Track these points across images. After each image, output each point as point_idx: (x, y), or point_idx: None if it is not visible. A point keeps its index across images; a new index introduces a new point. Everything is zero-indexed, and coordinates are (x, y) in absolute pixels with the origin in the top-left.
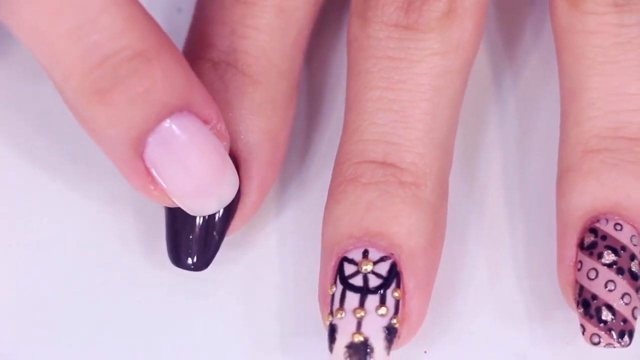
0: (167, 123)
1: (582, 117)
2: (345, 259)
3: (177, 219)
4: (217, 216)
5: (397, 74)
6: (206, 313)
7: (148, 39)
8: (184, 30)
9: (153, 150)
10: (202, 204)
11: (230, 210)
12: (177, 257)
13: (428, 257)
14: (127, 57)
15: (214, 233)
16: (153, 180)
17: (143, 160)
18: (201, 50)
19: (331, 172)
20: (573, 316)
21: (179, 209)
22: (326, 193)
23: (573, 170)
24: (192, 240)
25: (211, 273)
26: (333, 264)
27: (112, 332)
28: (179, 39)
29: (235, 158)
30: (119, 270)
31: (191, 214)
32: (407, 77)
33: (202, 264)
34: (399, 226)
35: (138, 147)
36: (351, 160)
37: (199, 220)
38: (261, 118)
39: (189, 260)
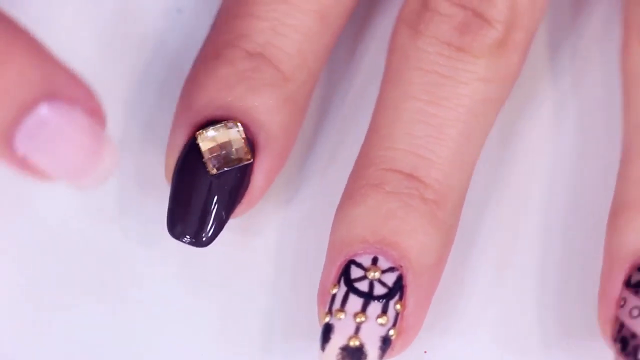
0: (30, 116)
1: None
2: (353, 262)
3: (183, 192)
4: (225, 198)
5: (441, 90)
6: (203, 313)
7: None
8: (184, 30)
9: (21, 142)
10: (82, 183)
11: (238, 194)
12: (176, 227)
13: (432, 277)
14: None
15: (222, 212)
16: (30, 167)
17: (15, 152)
18: (235, 39)
19: (328, 172)
20: (573, 312)
21: (182, 183)
22: (323, 193)
23: (631, 207)
24: (197, 213)
25: (208, 273)
26: (339, 264)
27: (106, 332)
28: (179, 39)
29: (254, 145)
30: (114, 269)
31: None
32: (450, 96)
33: (202, 241)
34: (414, 240)
35: (7, 142)
36: (378, 165)
37: (207, 197)
38: (284, 113)
39: (189, 232)
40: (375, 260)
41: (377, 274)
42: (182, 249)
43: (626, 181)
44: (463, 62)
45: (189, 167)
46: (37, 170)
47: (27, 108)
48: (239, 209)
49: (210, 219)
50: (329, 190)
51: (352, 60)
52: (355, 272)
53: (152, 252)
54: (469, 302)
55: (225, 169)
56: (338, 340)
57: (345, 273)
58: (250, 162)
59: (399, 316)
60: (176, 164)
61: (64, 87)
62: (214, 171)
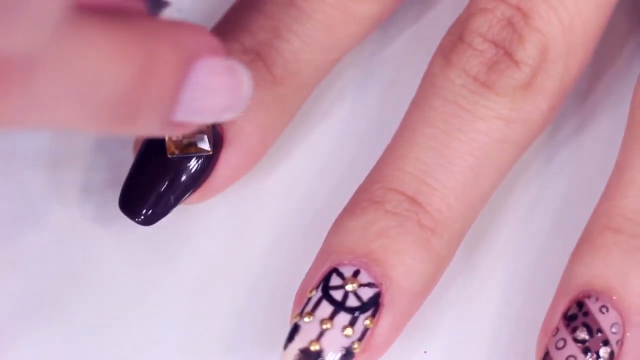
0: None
1: (617, 194)
2: (335, 270)
3: (142, 170)
4: (178, 183)
5: (458, 122)
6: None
7: (134, 60)
8: None
9: (179, 115)
10: (232, 115)
11: (193, 182)
12: (128, 203)
13: (412, 302)
14: (121, 97)
15: (171, 196)
16: (188, 126)
17: (175, 124)
18: (237, 32)
19: (321, 173)
20: None
21: (143, 159)
22: (322, 198)
23: (588, 240)
24: (147, 192)
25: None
26: (323, 270)
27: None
28: None
29: (222, 139)
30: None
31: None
32: (466, 129)
33: (147, 220)
34: (400, 262)
35: (169, 122)
36: (384, 183)
37: (160, 178)
38: (263, 114)
39: (135, 209)
40: (357, 273)
41: (354, 286)
42: (173, 248)
43: (594, 215)
44: (485, 98)
45: (153, 145)
46: (194, 126)
47: (178, 90)
48: (192, 198)
49: (156, 200)
50: (328, 195)
51: (378, 72)
52: (335, 280)
53: (137, 250)
54: (468, 303)
55: (184, 155)
56: (300, 342)
57: (325, 279)
58: (209, 154)
59: (368, 332)
60: (144, 140)
61: (194, 48)
62: (171, 155)
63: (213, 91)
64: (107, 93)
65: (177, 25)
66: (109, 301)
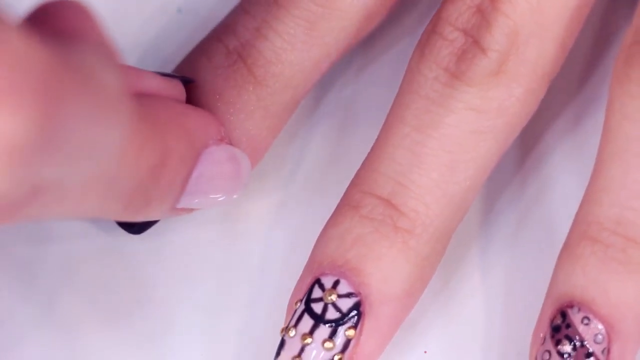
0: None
1: (593, 201)
2: (318, 282)
3: None
4: None
5: (429, 118)
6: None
7: (152, 157)
8: (184, 30)
9: (183, 201)
10: (231, 198)
11: None
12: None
13: (398, 307)
14: (137, 190)
15: None
16: (189, 209)
17: (179, 209)
18: (222, 33)
19: (320, 176)
20: None
21: None
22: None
23: (568, 248)
24: None
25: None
26: (309, 281)
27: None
28: (179, 39)
29: None
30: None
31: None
32: (436, 124)
33: (137, 229)
34: (376, 269)
35: (174, 208)
36: (360, 187)
37: None
38: (248, 120)
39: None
40: (336, 283)
41: (333, 297)
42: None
43: (575, 220)
44: (456, 90)
45: None
46: (193, 209)
47: (186, 181)
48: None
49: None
50: (325, 198)
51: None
52: (316, 292)
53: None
54: (468, 303)
55: None
56: (284, 358)
57: (309, 291)
58: None
59: (352, 343)
60: None
61: (202, 137)
62: None
63: (215, 180)
64: (125, 187)
65: (189, 112)
66: (103, 312)
